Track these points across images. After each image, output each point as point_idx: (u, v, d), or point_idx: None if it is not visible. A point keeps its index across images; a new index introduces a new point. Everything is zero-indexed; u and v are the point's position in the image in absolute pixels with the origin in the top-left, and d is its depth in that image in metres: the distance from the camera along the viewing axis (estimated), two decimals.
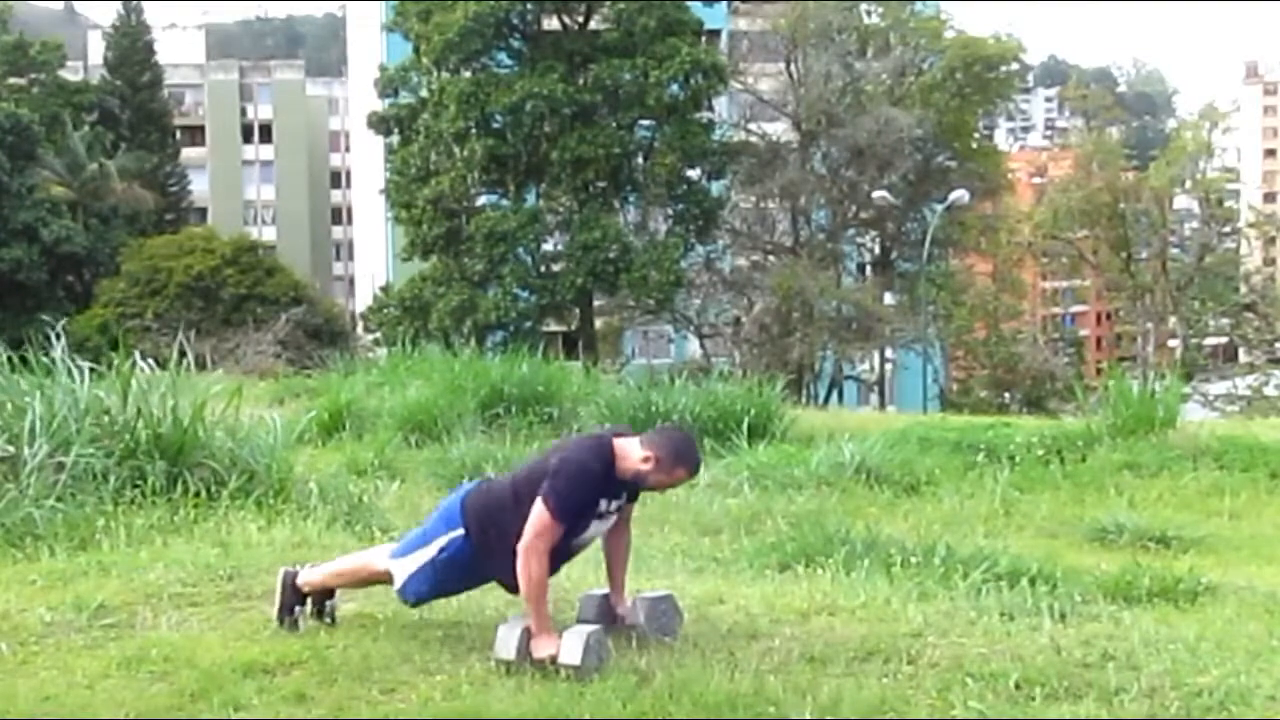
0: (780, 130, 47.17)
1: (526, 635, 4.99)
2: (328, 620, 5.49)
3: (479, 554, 5.16)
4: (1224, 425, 16.79)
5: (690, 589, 6.12)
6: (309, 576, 5.51)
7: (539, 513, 4.98)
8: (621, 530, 5.39)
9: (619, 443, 5.14)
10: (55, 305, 43.05)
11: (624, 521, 5.38)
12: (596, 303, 42.78)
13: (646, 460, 5.09)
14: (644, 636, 5.28)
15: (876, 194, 42.45)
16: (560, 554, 5.13)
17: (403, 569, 5.27)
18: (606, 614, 5.31)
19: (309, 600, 5.50)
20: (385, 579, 5.38)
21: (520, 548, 4.99)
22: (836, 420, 16.19)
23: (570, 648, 4.91)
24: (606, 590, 5.42)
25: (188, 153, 71.24)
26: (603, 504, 5.13)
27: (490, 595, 5.65)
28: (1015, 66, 50.76)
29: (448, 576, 5.24)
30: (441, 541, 5.21)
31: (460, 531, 5.18)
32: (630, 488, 5.24)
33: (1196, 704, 4.73)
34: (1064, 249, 58.67)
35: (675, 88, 40.42)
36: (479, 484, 5.47)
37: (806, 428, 13.84)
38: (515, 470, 5.47)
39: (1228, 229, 63.33)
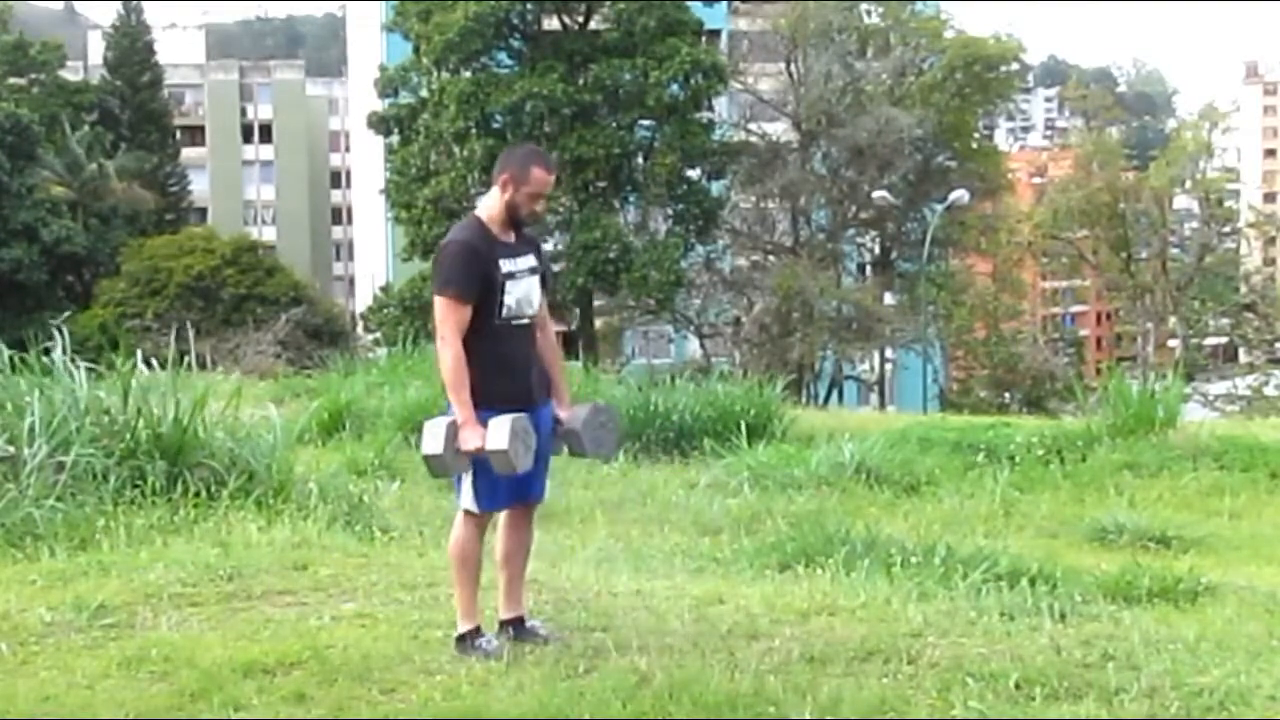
0: (780, 130, 47.15)
1: (453, 429, 4.96)
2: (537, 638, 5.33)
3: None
4: (1224, 425, 16.79)
5: (690, 589, 6.13)
6: (460, 614, 5.30)
7: (437, 305, 5.04)
8: (542, 332, 5.32)
9: (480, 203, 5.21)
10: (55, 305, 43.01)
11: (541, 321, 5.30)
12: (596, 303, 42.76)
13: (504, 187, 5.12)
14: (578, 445, 5.26)
15: (876, 194, 42.43)
16: (505, 337, 5.10)
17: (467, 492, 5.15)
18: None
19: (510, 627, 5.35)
20: (471, 537, 5.22)
21: (437, 342, 5.03)
22: (836, 420, 16.19)
23: (496, 435, 4.90)
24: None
25: (188, 153, 71.19)
26: (505, 264, 5.12)
27: (489, 595, 5.65)
28: (1015, 66, 50.74)
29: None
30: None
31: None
32: (529, 243, 5.22)
33: (1196, 704, 4.73)
34: (1064, 249, 58.67)
35: (675, 88, 40.40)
36: None
37: (806, 428, 13.84)
38: None
39: (1228, 229, 63.34)
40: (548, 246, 41.38)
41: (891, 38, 47.69)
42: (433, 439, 4.98)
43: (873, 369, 49.51)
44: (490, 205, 5.17)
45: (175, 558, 6.59)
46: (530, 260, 5.22)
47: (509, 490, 5.16)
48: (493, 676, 4.96)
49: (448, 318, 5.02)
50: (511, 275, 5.13)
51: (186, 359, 9.12)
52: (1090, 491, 11.48)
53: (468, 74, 39.82)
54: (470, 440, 4.94)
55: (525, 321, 5.20)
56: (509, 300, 5.12)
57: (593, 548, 7.65)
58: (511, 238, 5.18)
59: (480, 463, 5.03)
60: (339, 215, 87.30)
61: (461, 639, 5.23)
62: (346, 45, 79.79)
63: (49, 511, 7.26)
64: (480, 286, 5.04)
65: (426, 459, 5.03)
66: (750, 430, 12.67)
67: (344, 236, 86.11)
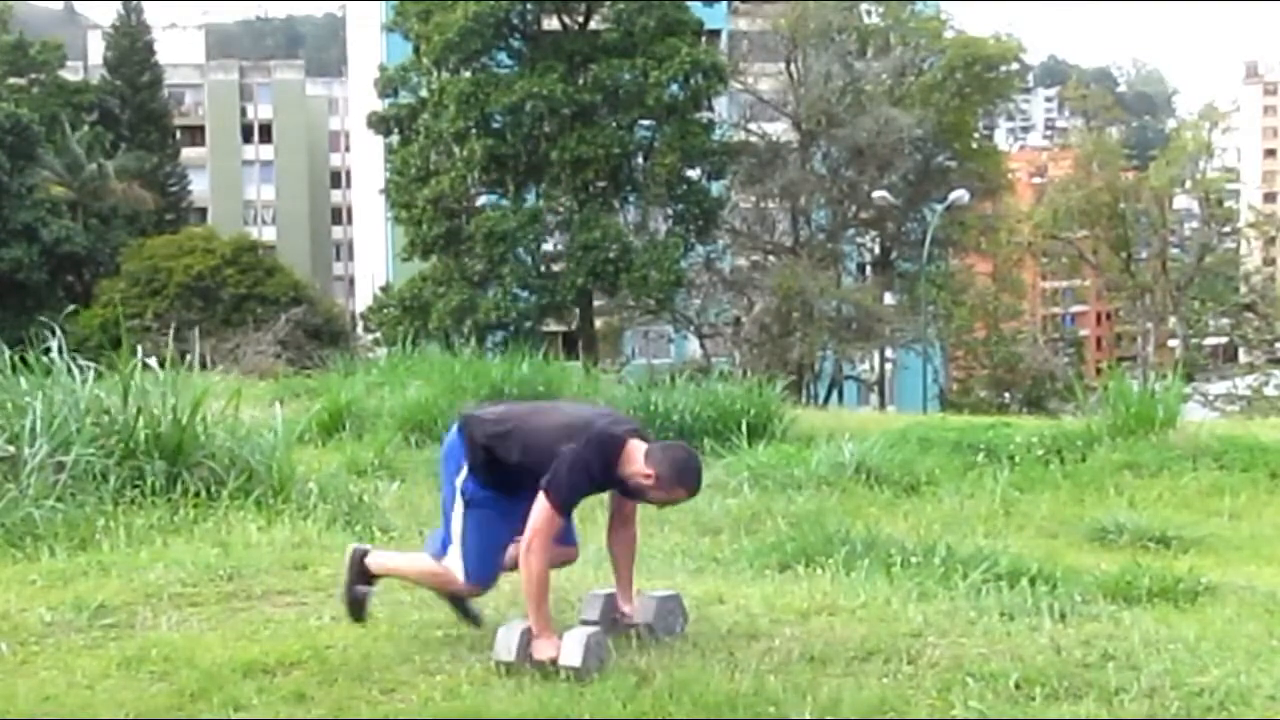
0: (780, 130, 47.15)
1: (526, 636, 4.98)
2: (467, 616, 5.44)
3: (491, 481, 5.13)
4: (1224, 425, 16.79)
5: (690, 589, 6.12)
6: (380, 560, 5.48)
7: (542, 506, 4.97)
8: (626, 528, 5.36)
9: (630, 445, 5.07)
10: (55, 305, 42.98)
11: (627, 519, 5.35)
12: (596, 303, 42.75)
13: (647, 477, 5.03)
14: (649, 636, 5.27)
15: (876, 194, 42.43)
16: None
17: (454, 558, 5.21)
18: (610, 614, 5.30)
19: (372, 582, 5.47)
20: (448, 584, 5.29)
21: (523, 547, 4.99)
22: (836, 420, 16.18)
23: (570, 650, 4.90)
24: (611, 590, 5.40)
25: (188, 153, 71.21)
26: (597, 488, 5.14)
27: (490, 595, 5.65)
28: (1015, 66, 50.77)
29: (487, 525, 5.16)
30: (459, 482, 5.18)
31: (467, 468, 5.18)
32: (622, 489, 5.20)
33: (1196, 704, 4.73)
34: (1064, 249, 58.68)
35: (675, 88, 40.40)
36: (469, 416, 5.38)
37: (806, 428, 13.83)
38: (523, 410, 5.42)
39: (1228, 229, 63.33)
40: (548, 246, 41.58)
41: (891, 38, 47.70)
42: (505, 646, 4.98)
43: (873, 369, 49.51)
44: (633, 463, 5.03)
45: (175, 558, 6.59)
46: (616, 489, 5.23)
47: (499, 567, 5.24)
48: (493, 676, 4.96)
49: (546, 526, 4.98)
50: (587, 493, 5.16)
51: (187, 359, 9.11)
52: (1090, 491, 11.47)
53: (468, 74, 39.82)
54: (544, 651, 4.93)
55: None
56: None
57: (593, 548, 7.62)
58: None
59: (473, 518, 5.13)
60: (339, 215, 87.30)
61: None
62: (346, 45, 79.78)
63: (49, 511, 7.26)
64: (573, 506, 5.10)
65: (496, 665, 5.02)
66: (750, 430, 12.66)
67: (344, 236, 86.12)
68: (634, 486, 5.09)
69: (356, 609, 5.44)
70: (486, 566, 5.18)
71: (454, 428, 5.35)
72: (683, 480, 5.10)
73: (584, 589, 6.15)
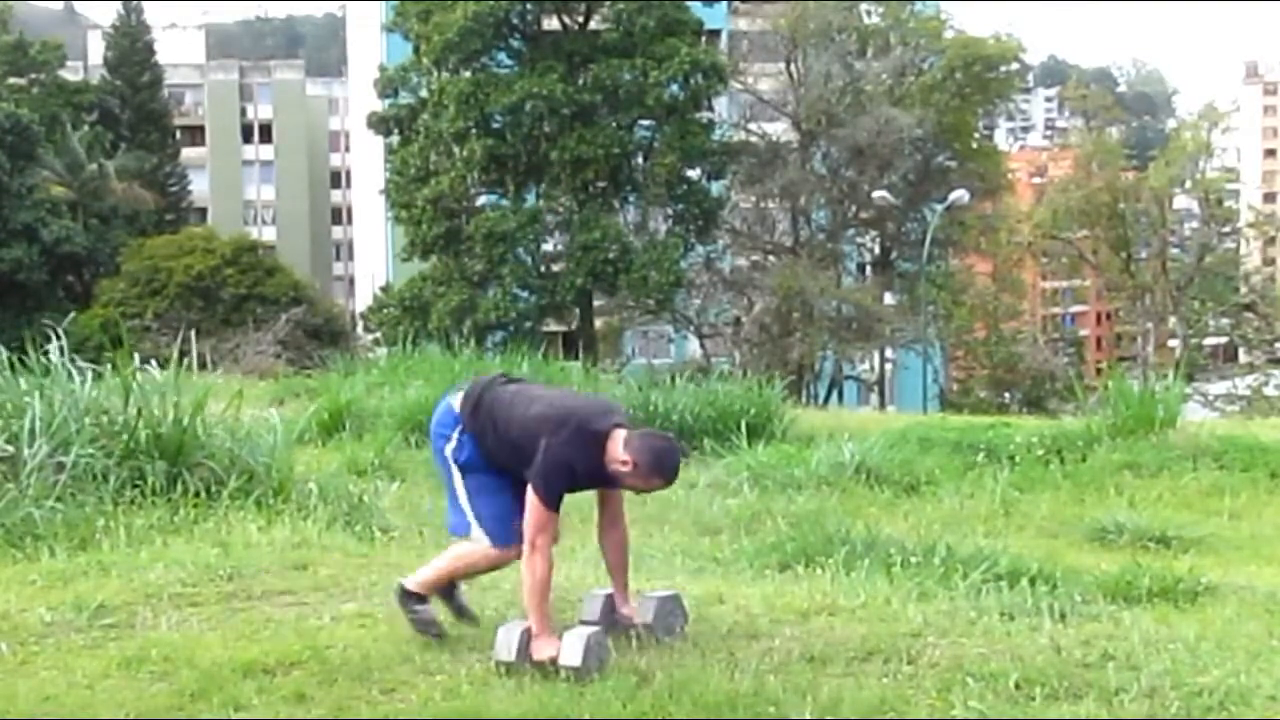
0: (780, 130, 47.14)
1: (526, 636, 4.98)
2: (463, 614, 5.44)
3: (479, 452, 5.17)
4: (1224, 425, 16.78)
5: (690, 589, 6.12)
6: (420, 579, 5.40)
7: (534, 505, 4.99)
8: (615, 527, 5.36)
9: (613, 438, 5.08)
10: (55, 305, 43.02)
11: (614, 518, 5.35)
12: (596, 303, 42.75)
13: (625, 463, 5.05)
14: (649, 636, 5.27)
15: (876, 194, 42.42)
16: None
17: (477, 529, 5.21)
18: (610, 614, 5.30)
19: (426, 600, 5.41)
20: (487, 558, 5.26)
21: (525, 548, 5.01)
22: (836, 420, 16.18)
23: (571, 649, 4.90)
24: (610, 590, 5.41)
25: (188, 153, 71.19)
26: (581, 485, 5.16)
27: (490, 595, 5.65)
28: (1015, 66, 50.73)
29: (489, 487, 5.18)
30: (449, 453, 5.20)
31: (458, 429, 5.20)
32: (604, 481, 5.21)
33: (1196, 704, 4.73)
34: (1064, 249, 58.65)
35: (675, 88, 40.40)
36: (462, 390, 5.38)
37: (806, 428, 13.83)
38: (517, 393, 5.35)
39: (1228, 229, 63.30)
40: (548, 246, 41.58)
41: (891, 38, 47.67)
42: (505, 646, 4.99)
43: (873, 369, 49.50)
44: (613, 454, 5.04)
45: (175, 558, 6.59)
46: (601, 483, 5.23)
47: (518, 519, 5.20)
48: (493, 676, 4.97)
49: (544, 526, 5.00)
50: (574, 490, 5.17)
51: (186, 359, 9.12)
52: (1090, 491, 11.47)
53: (467, 74, 39.82)
54: (544, 650, 4.95)
55: None
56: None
57: (593, 548, 7.63)
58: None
59: (474, 485, 5.15)
60: (339, 215, 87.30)
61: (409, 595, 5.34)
62: (346, 45, 79.77)
63: (49, 511, 7.26)
64: (560, 499, 5.09)
65: (497, 665, 5.02)
66: (750, 430, 12.66)
67: (344, 236, 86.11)
68: (611, 473, 5.10)
69: (431, 627, 5.34)
70: (505, 525, 5.15)
71: (445, 399, 5.38)
72: (660, 469, 5.10)
73: (584, 589, 6.15)
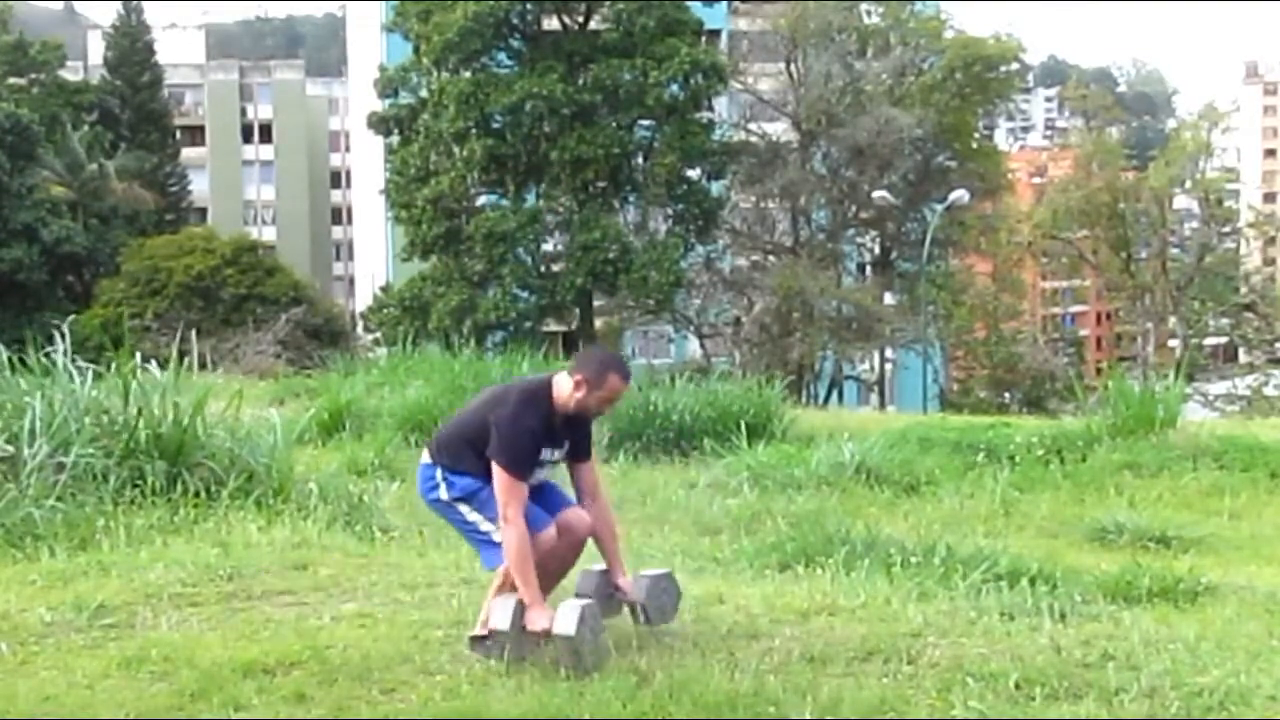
0: (780, 130, 47.12)
1: (520, 608, 4.97)
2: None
3: (460, 466, 5.18)
4: (1224, 425, 16.79)
5: (690, 589, 6.12)
6: (494, 620, 5.22)
7: (498, 475, 5.03)
8: (596, 503, 5.36)
9: (555, 383, 5.18)
10: (55, 305, 43.01)
11: (593, 493, 5.35)
12: (596, 303, 42.73)
13: (578, 386, 5.12)
14: (642, 615, 5.28)
15: (876, 194, 42.41)
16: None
17: (502, 534, 5.14)
18: (604, 589, 5.30)
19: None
20: (529, 557, 5.13)
21: (501, 524, 5.02)
22: (836, 420, 16.19)
23: (565, 619, 4.91)
24: (604, 567, 5.41)
25: (188, 153, 71.16)
26: (545, 453, 5.16)
27: (481, 594, 5.64)
28: (1015, 66, 50.69)
29: (490, 496, 5.15)
30: (445, 496, 5.22)
31: (437, 469, 5.23)
32: (574, 434, 5.24)
33: (1196, 704, 4.73)
34: (1064, 249, 58.63)
35: (675, 88, 40.37)
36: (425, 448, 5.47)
37: (806, 428, 13.84)
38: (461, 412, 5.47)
39: (1228, 229, 63.29)
40: (548, 246, 41.56)
41: (891, 38, 47.64)
42: (501, 617, 4.99)
43: (873, 369, 49.48)
44: (563, 394, 5.15)
45: (175, 558, 6.59)
46: (565, 448, 5.25)
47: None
48: (493, 676, 4.97)
49: (512, 496, 5.03)
50: (543, 464, 5.18)
51: (186, 359, 9.12)
52: (1090, 491, 11.48)
53: (467, 74, 39.80)
54: (538, 621, 4.95)
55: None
56: (530, 481, 5.17)
57: (591, 556, 7.64)
58: (561, 423, 5.19)
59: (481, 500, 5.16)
60: (339, 215, 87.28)
61: (475, 640, 5.25)
62: (346, 45, 79.78)
63: (49, 511, 7.26)
64: (529, 465, 5.09)
65: (492, 634, 5.02)
66: (750, 430, 12.66)
67: (344, 236, 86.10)
68: (576, 406, 5.14)
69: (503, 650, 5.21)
70: (527, 515, 5.14)
71: (420, 467, 5.42)
72: (609, 366, 5.19)
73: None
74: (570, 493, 5.38)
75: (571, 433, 5.25)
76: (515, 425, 5.05)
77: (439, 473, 5.25)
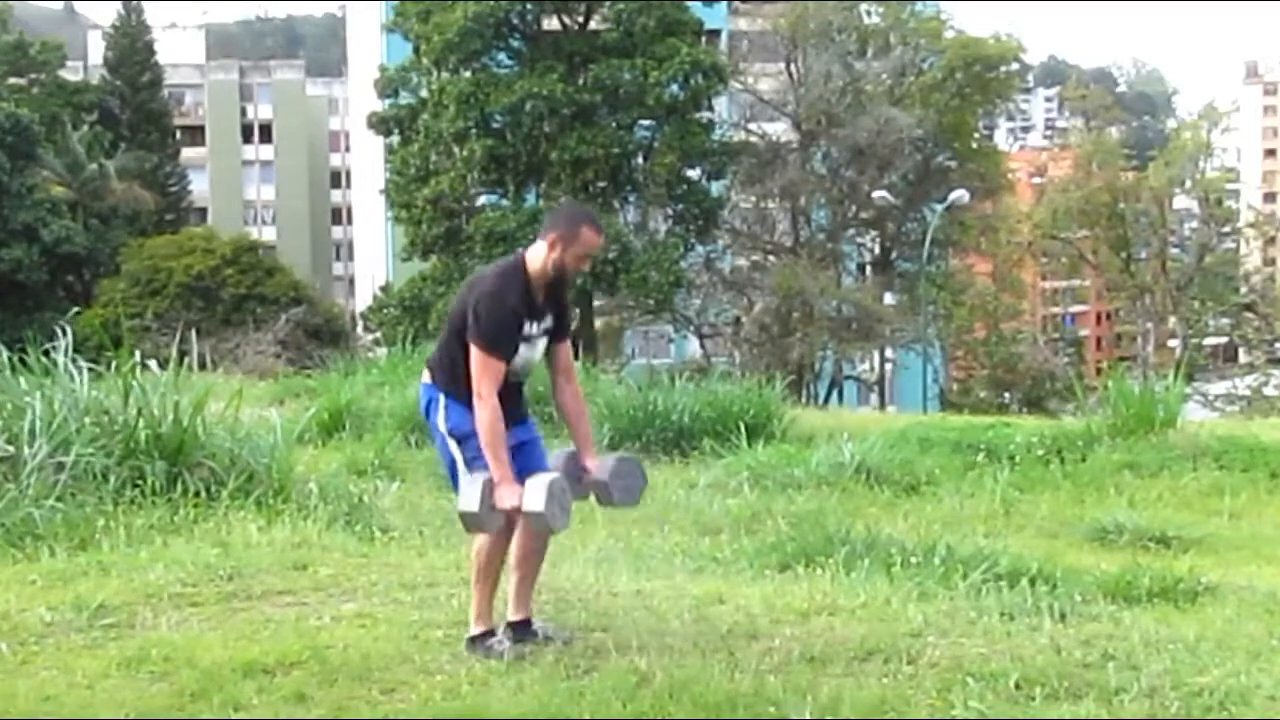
0: (780, 130, 47.12)
1: (489, 487, 4.96)
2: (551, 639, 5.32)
3: (464, 396, 5.13)
4: (1224, 425, 16.79)
5: (690, 589, 6.12)
6: (473, 615, 5.31)
7: (475, 356, 5.01)
8: (569, 384, 5.36)
9: (527, 255, 5.17)
10: (55, 305, 42.99)
11: (567, 374, 5.35)
12: (596, 303, 42.73)
13: (552, 245, 5.11)
14: (606, 494, 5.27)
15: (876, 194, 42.42)
16: (502, 393, 5.08)
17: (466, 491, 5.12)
18: (573, 468, 5.28)
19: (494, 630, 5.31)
20: (493, 541, 5.18)
21: (474, 399, 5.01)
22: (836, 420, 16.19)
23: (533, 495, 4.91)
24: (573, 447, 5.40)
25: (188, 153, 71.15)
26: (528, 327, 5.13)
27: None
28: (1015, 66, 50.69)
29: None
30: (442, 425, 5.18)
31: (439, 392, 5.20)
32: (555, 307, 5.23)
33: (1196, 704, 4.73)
34: (1064, 249, 58.65)
35: (675, 88, 40.36)
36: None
37: (806, 428, 13.84)
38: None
39: (1227, 229, 63.30)
40: None
41: (891, 38, 47.64)
42: (469, 496, 4.98)
43: (873, 369, 49.48)
44: (536, 260, 5.14)
45: (175, 558, 6.59)
46: (548, 322, 5.23)
47: None
48: (493, 676, 4.96)
49: (485, 373, 5.01)
50: (529, 339, 5.15)
51: (186, 359, 9.11)
52: (1090, 491, 11.48)
53: (467, 74, 39.80)
54: (507, 499, 4.94)
55: (520, 381, 5.25)
56: (517, 361, 5.14)
57: (593, 548, 7.64)
58: (542, 297, 5.18)
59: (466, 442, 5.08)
60: (339, 215, 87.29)
61: (473, 640, 5.25)
62: (346, 45, 79.79)
63: (49, 511, 7.26)
64: (509, 342, 5.06)
65: (462, 515, 5.02)
66: (750, 430, 12.67)
67: (344, 236, 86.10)
68: (555, 268, 5.12)
69: (509, 654, 5.20)
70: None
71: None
72: (579, 220, 5.19)
73: (584, 588, 6.16)
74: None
75: (553, 306, 5.24)
76: (493, 302, 5.04)
77: (441, 397, 5.21)
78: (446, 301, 39.32)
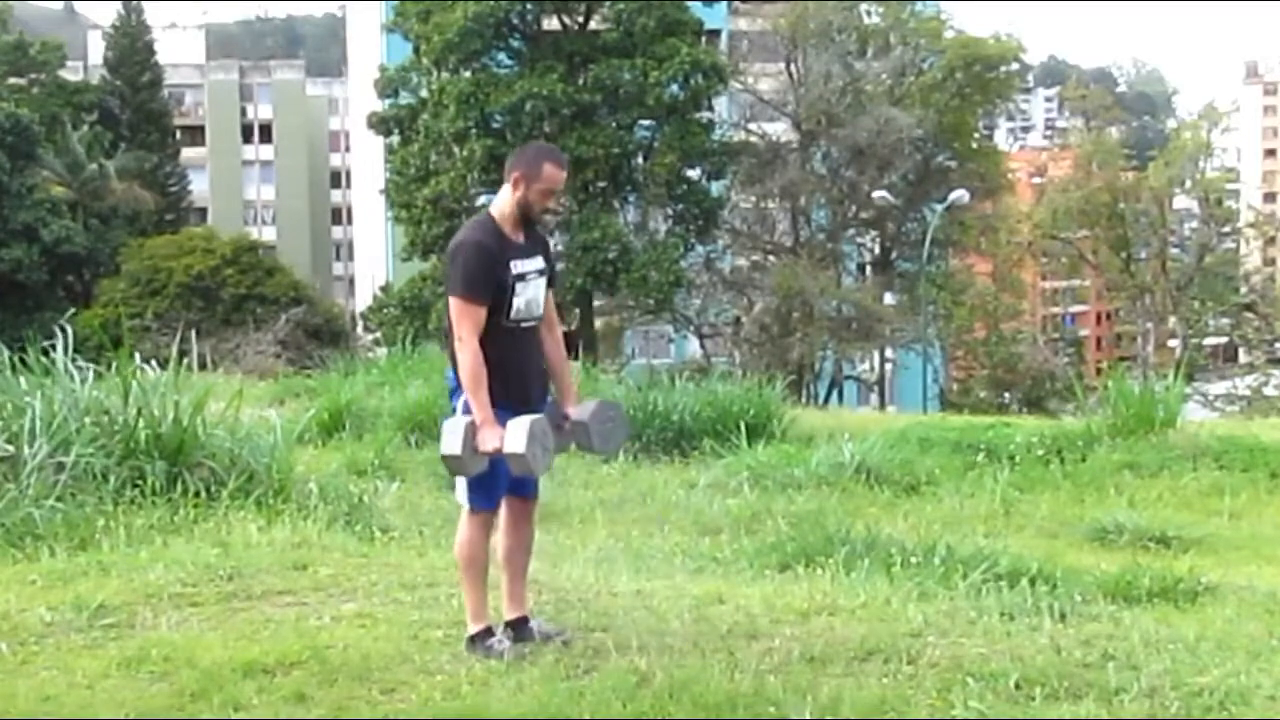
0: (780, 130, 47.12)
1: (471, 429, 4.98)
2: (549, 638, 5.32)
3: None
4: (1224, 425, 16.79)
5: (690, 589, 6.12)
6: (469, 614, 5.31)
7: (454, 306, 5.06)
8: (553, 328, 5.38)
9: (493, 203, 5.22)
10: (55, 305, 42.97)
11: (550, 321, 5.36)
12: (596, 302, 42.74)
13: (515, 184, 5.14)
14: (587, 438, 5.29)
15: (876, 194, 42.42)
16: (509, 338, 5.11)
17: (462, 488, 5.17)
18: (555, 419, 5.28)
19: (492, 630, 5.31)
20: (475, 535, 5.22)
21: (456, 345, 5.04)
22: (836, 420, 16.19)
23: (514, 436, 4.92)
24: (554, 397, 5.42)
25: (188, 153, 71.14)
26: (516, 265, 5.14)
27: (490, 594, 5.63)
28: (1015, 66, 50.69)
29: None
30: (460, 404, 5.18)
31: (453, 370, 5.22)
32: (539, 244, 5.25)
33: (1196, 704, 4.73)
34: (1064, 249, 58.65)
35: (675, 88, 40.37)
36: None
37: (806, 428, 13.84)
38: None
39: (1227, 229, 63.30)
40: None
41: (891, 38, 47.64)
42: (451, 439, 5.00)
43: (873, 369, 49.48)
44: (502, 203, 5.19)
45: (175, 558, 6.59)
46: (539, 262, 5.24)
47: (503, 486, 5.19)
48: (493, 676, 4.96)
49: (464, 319, 5.04)
50: (522, 277, 5.14)
51: (186, 359, 9.11)
52: (1090, 491, 11.48)
53: (467, 74, 39.81)
54: (489, 441, 4.95)
55: (532, 324, 5.23)
56: (518, 302, 5.13)
57: (593, 548, 7.64)
58: (522, 238, 5.20)
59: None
60: (339, 215, 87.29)
61: (473, 639, 5.24)
62: (346, 45, 79.78)
63: (49, 511, 7.25)
64: (493, 288, 5.06)
65: (444, 459, 5.04)
66: (750, 430, 12.67)
67: (344, 236, 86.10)
68: (521, 207, 5.13)
69: (508, 654, 5.19)
70: (488, 492, 5.16)
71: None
72: (541, 156, 5.21)
73: (584, 588, 6.16)
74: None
75: (540, 245, 5.26)
76: (465, 250, 5.08)
77: (454, 375, 5.22)
78: (447, 302, 39.32)
